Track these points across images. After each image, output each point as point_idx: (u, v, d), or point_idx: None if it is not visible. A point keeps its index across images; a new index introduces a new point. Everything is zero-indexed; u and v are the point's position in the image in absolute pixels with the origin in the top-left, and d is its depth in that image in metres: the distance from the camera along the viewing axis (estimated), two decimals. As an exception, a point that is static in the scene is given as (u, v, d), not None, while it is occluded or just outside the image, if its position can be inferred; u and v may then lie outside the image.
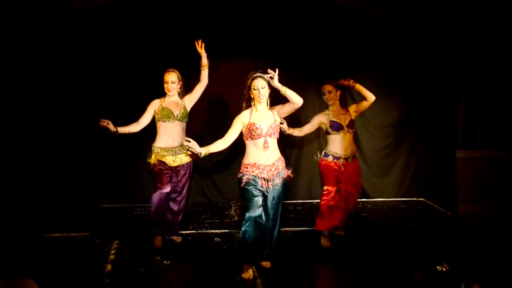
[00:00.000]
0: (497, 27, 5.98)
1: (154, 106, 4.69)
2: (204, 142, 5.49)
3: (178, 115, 4.66)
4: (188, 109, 4.75)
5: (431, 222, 5.72)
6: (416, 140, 6.54)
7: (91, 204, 6.03)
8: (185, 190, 4.87)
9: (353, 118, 4.92)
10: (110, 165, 6.08)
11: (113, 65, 5.88)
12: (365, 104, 4.92)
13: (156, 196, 4.72)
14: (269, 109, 4.16)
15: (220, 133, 5.61)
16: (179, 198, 4.86)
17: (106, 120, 4.54)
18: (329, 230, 4.95)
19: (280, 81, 6.21)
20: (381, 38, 6.23)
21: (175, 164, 4.69)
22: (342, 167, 4.86)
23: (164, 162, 4.67)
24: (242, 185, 4.10)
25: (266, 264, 4.36)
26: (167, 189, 4.72)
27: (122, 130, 4.62)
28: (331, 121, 4.84)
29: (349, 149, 4.89)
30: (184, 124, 4.74)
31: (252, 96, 4.08)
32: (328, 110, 4.92)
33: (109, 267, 4.32)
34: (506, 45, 6.03)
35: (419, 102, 6.42)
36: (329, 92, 4.85)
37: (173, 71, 4.69)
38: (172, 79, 4.65)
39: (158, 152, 4.68)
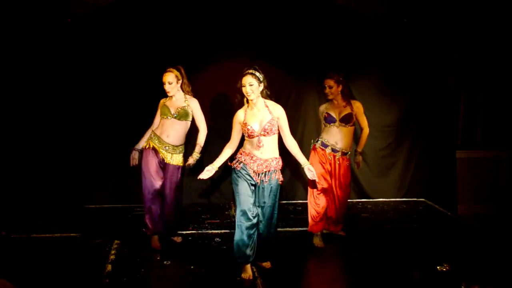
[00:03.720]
0: (497, 27, 5.99)
1: (161, 104, 4.75)
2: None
3: (175, 114, 4.64)
4: (189, 111, 4.69)
5: (431, 223, 5.72)
6: (416, 140, 6.53)
7: (92, 204, 6.03)
8: (172, 192, 4.75)
9: (353, 113, 4.87)
10: (110, 165, 6.07)
11: (113, 64, 5.88)
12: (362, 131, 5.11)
13: (145, 191, 4.72)
14: (266, 105, 4.09)
15: (219, 131, 5.65)
16: (167, 200, 4.78)
17: (132, 157, 4.79)
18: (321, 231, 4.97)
19: (281, 81, 6.24)
20: (381, 38, 6.23)
21: (166, 159, 4.68)
22: (329, 156, 4.85)
23: (155, 150, 4.66)
24: (236, 170, 4.12)
25: (266, 264, 4.37)
26: (156, 183, 4.67)
27: (142, 144, 4.78)
28: (326, 113, 4.88)
29: (340, 143, 4.86)
30: (183, 123, 4.68)
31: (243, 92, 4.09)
32: (328, 102, 4.95)
33: (109, 267, 4.32)
34: (506, 45, 6.04)
35: (419, 102, 6.41)
36: (330, 87, 4.82)
37: (170, 71, 4.63)
38: (168, 80, 4.61)
39: (152, 139, 4.68)
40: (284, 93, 6.25)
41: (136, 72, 5.87)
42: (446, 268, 4.30)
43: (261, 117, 4.06)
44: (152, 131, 4.73)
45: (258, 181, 4.08)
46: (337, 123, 4.84)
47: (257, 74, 4.02)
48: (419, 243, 4.97)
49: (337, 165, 4.90)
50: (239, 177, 4.11)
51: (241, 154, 4.14)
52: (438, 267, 4.31)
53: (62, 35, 5.70)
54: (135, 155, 4.79)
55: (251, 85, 4.00)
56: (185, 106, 4.67)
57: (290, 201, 6.38)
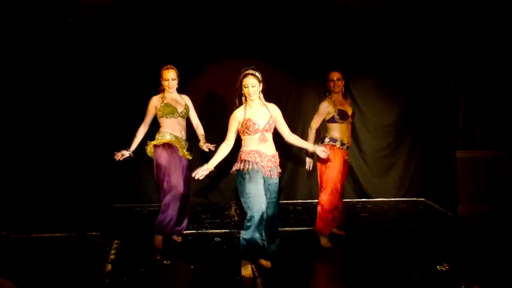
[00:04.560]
0: (497, 26, 5.99)
1: (155, 103, 4.67)
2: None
3: (182, 112, 4.71)
4: (189, 108, 4.82)
5: (431, 222, 5.72)
6: (416, 140, 6.53)
7: (91, 204, 6.03)
8: (187, 188, 4.80)
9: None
10: (110, 165, 6.05)
11: (114, 64, 5.88)
12: None
13: (169, 191, 4.59)
14: (263, 104, 4.14)
15: (218, 131, 5.66)
16: (185, 196, 4.77)
17: (119, 153, 4.61)
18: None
19: (281, 81, 6.22)
20: (381, 38, 6.24)
21: (184, 155, 4.72)
22: (346, 156, 4.87)
23: (173, 146, 4.63)
24: (245, 171, 4.02)
25: (266, 263, 4.36)
26: (178, 180, 4.60)
27: (135, 146, 4.70)
28: (338, 109, 4.79)
29: (346, 138, 4.87)
30: (185, 120, 4.81)
31: (243, 92, 4.09)
32: (331, 98, 4.85)
33: (109, 267, 4.32)
34: (506, 45, 6.04)
35: (419, 102, 6.42)
36: (338, 80, 4.82)
37: (172, 68, 4.68)
38: (172, 76, 4.65)
39: (166, 137, 4.63)
40: (284, 93, 6.25)
41: (136, 72, 5.87)
42: (446, 268, 4.30)
43: (263, 114, 4.10)
44: (162, 131, 4.66)
45: (270, 175, 4.08)
46: (348, 120, 4.85)
47: (257, 74, 4.07)
48: (419, 243, 4.97)
49: (344, 161, 4.89)
50: (250, 177, 4.01)
51: (248, 153, 4.05)
52: (438, 267, 4.31)
53: (62, 35, 5.71)
54: (124, 153, 4.62)
55: (253, 86, 4.03)
56: (187, 104, 4.77)
57: (290, 201, 6.38)
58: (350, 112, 4.87)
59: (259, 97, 4.12)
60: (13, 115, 5.76)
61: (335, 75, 4.82)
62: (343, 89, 4.91)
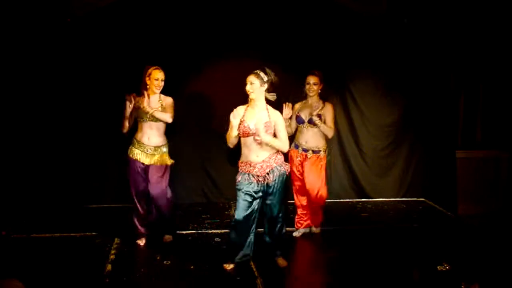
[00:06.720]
0: (497, 26, 5.99)
1: (136, 105, 4.65)
2: (203, 141, 5.55)
3: (150, 116, 4.61)
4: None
5: (431, 222, 5.72)
6: (416, 140, 6.54)
7: (92, 204, 6.03)
8: (158, 190, 4.69)
9: (322, 115, 4.91)
10: (110, 165, 6.07)
11: (113, 65, 5.87)
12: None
13: (132, 195, 4.76)
14: (266, 108, 4.17)
15: (219, 132, 5.67)
16: (155, 199, 4.74)
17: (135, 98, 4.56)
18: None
19: (281, 80, 6.26)
20: (381, 38, 6.23)
21: (147, 162, 4.67)
22: (299, 156, 4.99)
23: (136, 159, 4.67)
24: (238, 182, 4.20)
25: (282, 262, 4.39)
26: (140, 186, 4.71)
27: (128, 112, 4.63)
28: (297, 114, 5.00)
29: (309, 142, 4.97)
30: (159, 123, 4.67)
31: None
32: (305, 101, 5.04)
33: (109, 267, 4.32)
34: (506, 45, 6.04)
35: (419, 102, 6.42)
36: (314, 84, 4.93)
37: (161, 69, 4.68)
38: (162, 77, 4.65)
39: (134, 144, 4.70)
40: (284, 93, 6.23)
41: (135, 73, 5.85)
42: (446, 268, 4.30)
43: (259, 118, 4.11)
44: (134, 137, 4.73)
45: (262, 181, 4.12)
46: (305, 124, 4.96)
47: (262, 75, 4.12)
48: (419, 243, 4.98)
49: (307, 163, 5.00)
50: (239, 190, 4.18)
51: (240, 166, 4.21)
52: (438, 267, 4.31)
53: (62, 35, 5.70)
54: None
55: (251, 83, 4.09)
56: (158, 107, 4.65)
57: (290, 201, 6.36)
58: (308, 117, 4.93)
59: (262, 99, 4.15)
60: (13, 115, 5.76)
61: (312, 79, 4.94)
62: (319, 93, 5.00)
